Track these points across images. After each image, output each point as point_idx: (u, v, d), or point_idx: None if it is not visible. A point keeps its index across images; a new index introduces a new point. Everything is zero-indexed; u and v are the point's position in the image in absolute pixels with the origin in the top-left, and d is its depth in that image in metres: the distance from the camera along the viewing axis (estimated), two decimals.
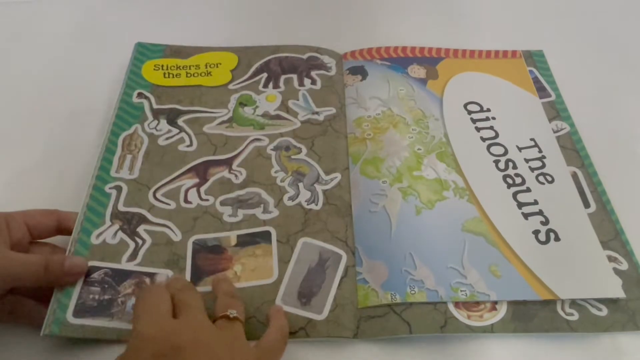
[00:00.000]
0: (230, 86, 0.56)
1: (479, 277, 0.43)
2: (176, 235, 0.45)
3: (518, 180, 0.49)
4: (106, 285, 0.41)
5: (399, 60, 0.59)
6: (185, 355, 0.31)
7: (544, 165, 0.50)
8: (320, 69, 0.57)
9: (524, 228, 0.46)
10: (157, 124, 0.52)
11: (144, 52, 0.58)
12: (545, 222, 0.46)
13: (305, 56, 0.58)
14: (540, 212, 0.47)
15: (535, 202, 0.47)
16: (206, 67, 0.58)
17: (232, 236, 0.45)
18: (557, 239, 0.45)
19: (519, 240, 0.45)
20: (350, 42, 0.61)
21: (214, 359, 0.32)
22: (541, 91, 0.56)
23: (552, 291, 0.42)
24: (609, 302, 0.42)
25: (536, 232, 0.46)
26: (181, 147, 0.51)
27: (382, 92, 0.56)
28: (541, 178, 0.49)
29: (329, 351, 0.40)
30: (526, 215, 0.47)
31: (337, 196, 0.47)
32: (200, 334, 0.33)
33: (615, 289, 0.42)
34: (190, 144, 0.51)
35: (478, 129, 0.53)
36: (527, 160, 0.50)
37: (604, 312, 0.42)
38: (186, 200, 0.47)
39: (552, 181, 0.49)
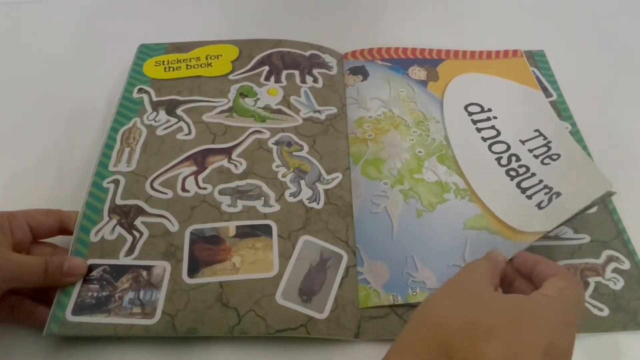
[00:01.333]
0: (231, 76, 0.56)
1: None
2: (173, 226, 0.44)
3: (522, 170, 0.48)
4: (104, 282, 0.41)
5: (400, 62, 0.59)
6: None
7: (549, 150, 0.49)
8: (321, 67, 0.57)
9: (528, 207, 0.45)
10: (156, 115, 0.52)
11: (146, 51, 0.58)
12: (549, 191, 0.45)
13: (307, 53, 0.58)
14: (545, 186, 0.46)
15: (540, 182, 0.47)
16: (207, 59, 0.57)
17: (231, 227, 0.44)
18: (557, 195, 0.44)
19: (524, 220, 0.44)
20: (350, 42, 0.61)
21: None
22: (543, 91, 0.56)
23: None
24: (611, 302, 0.42)
25: (539, 203, 0.45)
26: (179, 136, 0.50)
27: (383, 93, 0.56)
28: (547, 160, 0.48)
29: (329, 351, 0.40)
30: (530, 196, 0.46)
31: (338, 196, 0.47)
32: None
33: (601, 185, 0.41)
34: (189, 133, 0.51)
35: (479, 130, 0.52)
36: (531, 150, 0.50)
37: (605, 312, 0.41)
38: (184, 189, 0.47)
39: (558, 157, 0.48)
